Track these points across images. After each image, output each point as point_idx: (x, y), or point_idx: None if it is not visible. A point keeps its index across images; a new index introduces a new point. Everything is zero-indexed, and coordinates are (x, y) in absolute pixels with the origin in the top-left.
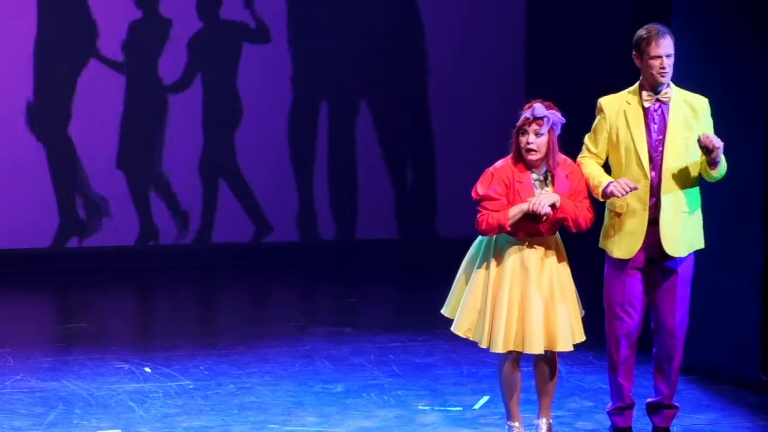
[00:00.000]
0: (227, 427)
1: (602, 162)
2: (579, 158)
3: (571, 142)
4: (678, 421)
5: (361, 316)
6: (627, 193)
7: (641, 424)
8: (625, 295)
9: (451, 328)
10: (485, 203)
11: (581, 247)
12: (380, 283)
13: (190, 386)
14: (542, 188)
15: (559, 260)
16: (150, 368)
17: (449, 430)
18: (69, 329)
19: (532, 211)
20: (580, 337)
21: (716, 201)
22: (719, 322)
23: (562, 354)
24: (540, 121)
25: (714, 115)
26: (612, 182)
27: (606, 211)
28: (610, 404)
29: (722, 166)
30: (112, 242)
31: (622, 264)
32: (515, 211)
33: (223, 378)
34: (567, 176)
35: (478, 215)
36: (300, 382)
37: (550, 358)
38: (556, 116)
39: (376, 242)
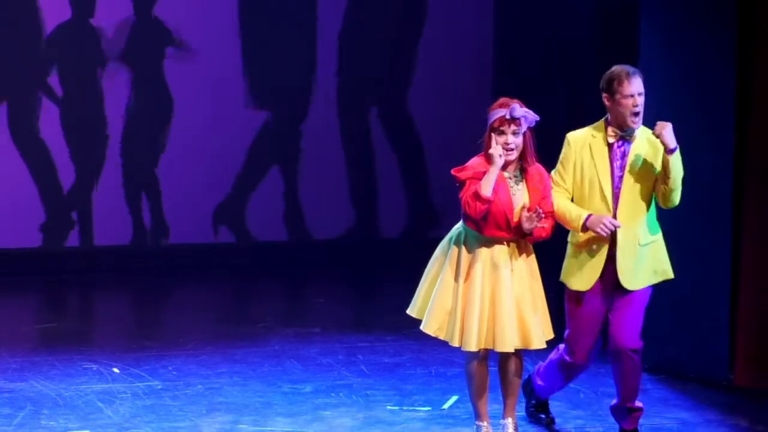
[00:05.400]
0: (196, 427)
1: (570, 197)
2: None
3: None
4: (646, 421)
5: (330, 316)
6: (610, 232)
7: (607, 424)
8: (582, 328)
9: (421, 327)
10: (470, 182)
11: (550, 246)
12: (349, 284)
13: (159, 387)
14: (516, 184)
15: (528, 257)
16: (118, 369)
17: (418, 430)
18: (37, 330)
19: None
20: (549, 335)
21: (686, 202)
22: (687, 321)
23: (528, 353)
24: (518, 121)
25: (684, 115)
26: (591, 216)
27: (568, 246)
28: (540, 384)
29: (677, 165)
30: (76, 243)
31: (581, 295)
32: (487, 179)
33: (192, 378)
34: (540, 180)
35: (463, 198)
36: (269, 383)
37: (517, 357)
38: (531, 114)
39: (347, 242)
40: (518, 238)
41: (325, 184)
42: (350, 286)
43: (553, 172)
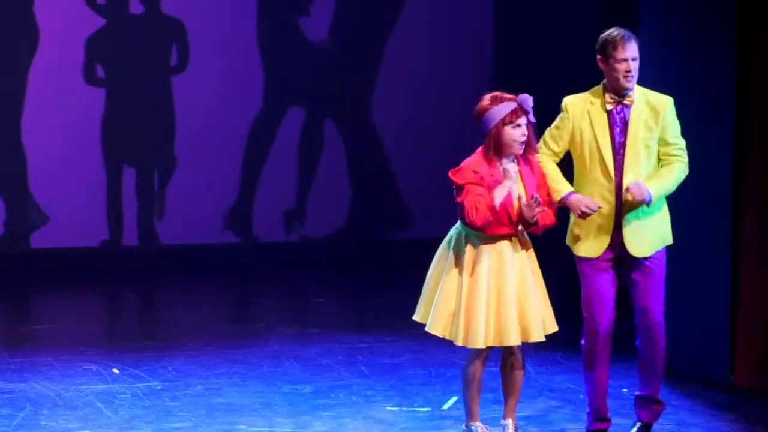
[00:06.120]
0: (195, 428)
1: (558, 161)
2: (537, 155)
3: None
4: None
5: (330, 316)
6: (587, 215)
7: (616, 428)
8: (594, 291)
9: (426, 328)
10: (470, 187)
11: (551, 243)
12: (348, 284)
13: (158, 387)
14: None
15: (528, 251)
16: (118, 369)
17: (417, 431)
18: (36, 330)
19: (529, 217)
20: (552, 327)
21: (685, 201)
22: (688, 322)
23: (529, 353)
24: (528, 112)
25: (683, 115)
26: (574, 194)
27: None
28: (588, 410)
29: (663, 192)
30: (75, 243)
31: (590, 261)
32: (500, 193)
33: (191, 379)
34: (532, 170)
35: (465, 205)
36: (268, 383)
37: (517, 356)
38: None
39: (346, 243)
40: (523, 230)
41: (326, 183)
42: (350, 287)
43: (546, 133)
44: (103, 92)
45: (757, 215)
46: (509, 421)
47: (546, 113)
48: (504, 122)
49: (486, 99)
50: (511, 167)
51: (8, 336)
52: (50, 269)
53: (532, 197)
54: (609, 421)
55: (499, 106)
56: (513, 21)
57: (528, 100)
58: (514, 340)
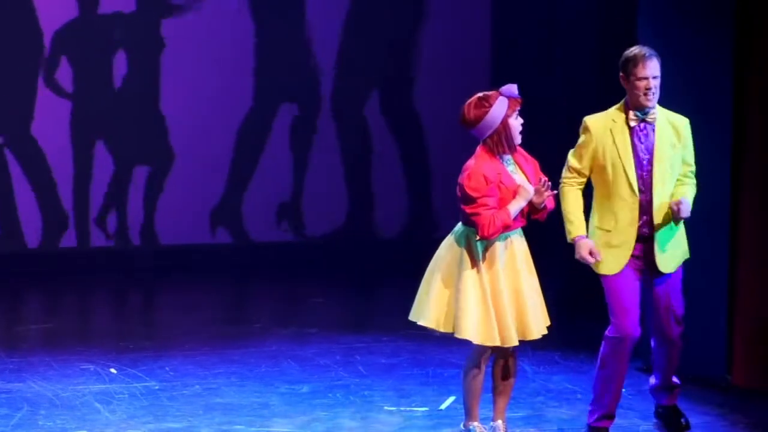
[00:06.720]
0: (193, 428)
1: (585, 179)
2: (563, 179)
3: (538, 145)
4: (644, 422)
5: (327, 316)
6: (585, 260)
7: (616, 428)
8: (618, 302)
9: (456, 334)
10: (483, 200)
11: (549, 241)
12: (346, 284)
13: (156, 387)
14: (509, 166)
15: (525, 242)
16: (115, 369)
17: (415, 430)
18: (34, 330)
19: (537, 202)
20: (546, 322)
21: None
22: (686, 321)
23: (527, 353)
24: (519, 100)
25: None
26: (582, 238)
27: (594, 230)
28: (591, 409)
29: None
30: (73, 243)
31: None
32: (515, 208)
33: (189, 379)
34: (525, 158)
35: (477, 218)
36: (266, 383)
37: (512, 357)
38: None
39: (344, 242)
40: (530, 218)
41: (323, 183)
42: (348, 287)
43: (569, 154)
44: (99, 92)
45: (755, 215)
46: (499, 423)
47: (546, 113)
48: (508, 116)
49: (474, 106)
50: (527, 184)
51: (6, 336)
52: (48, 269)
53: (540, 181)
54: (614, 418)
55: (496, 105)
56: (513, 21)
57: (513, 88)
58: (535, 333)
